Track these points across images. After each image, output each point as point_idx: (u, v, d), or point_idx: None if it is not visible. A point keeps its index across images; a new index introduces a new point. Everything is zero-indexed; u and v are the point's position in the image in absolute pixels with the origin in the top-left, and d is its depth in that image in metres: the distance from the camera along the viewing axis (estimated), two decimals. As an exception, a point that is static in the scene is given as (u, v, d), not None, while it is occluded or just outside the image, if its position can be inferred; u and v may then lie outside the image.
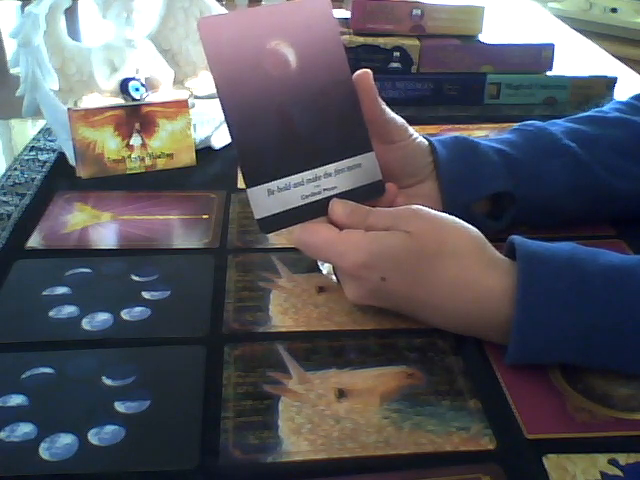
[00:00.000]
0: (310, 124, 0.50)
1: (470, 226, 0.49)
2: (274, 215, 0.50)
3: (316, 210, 0.50)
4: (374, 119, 0.53)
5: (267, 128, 0.50)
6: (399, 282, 0.48)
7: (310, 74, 0.50)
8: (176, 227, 0.66)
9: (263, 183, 0.49)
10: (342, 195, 0.51)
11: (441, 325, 0.50)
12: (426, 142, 0.58)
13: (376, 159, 0.52)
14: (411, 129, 0.56)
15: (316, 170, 0.50)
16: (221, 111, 0.48)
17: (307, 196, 0.50)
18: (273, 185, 0.49)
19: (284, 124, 0.50)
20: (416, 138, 0.57)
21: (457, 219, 0.49)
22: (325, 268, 0.57)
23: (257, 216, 0.50)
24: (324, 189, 0.51)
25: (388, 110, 0.54)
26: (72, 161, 0.74)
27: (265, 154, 0.50)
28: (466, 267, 0.47)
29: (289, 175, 0.50)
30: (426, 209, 0.49)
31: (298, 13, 0.50)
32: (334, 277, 0.55)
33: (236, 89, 0.49)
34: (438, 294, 0.48)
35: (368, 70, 0.52)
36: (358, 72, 0.52)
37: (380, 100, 0.53)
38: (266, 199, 0.49)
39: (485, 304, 0.47)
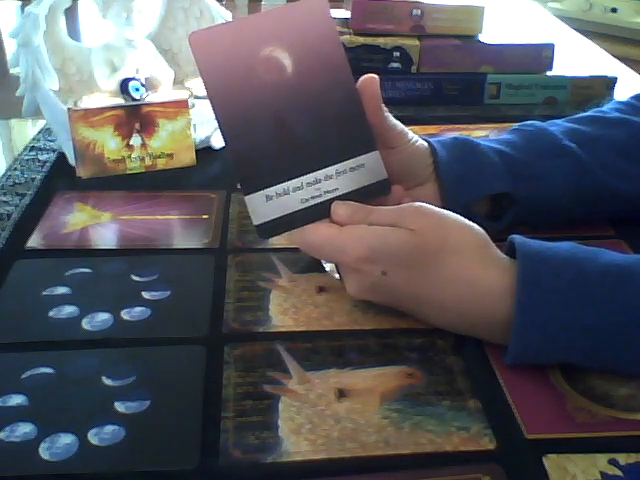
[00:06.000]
0: (309, 127, 0.50)
1: (473, 224, 0.49)
2: (273, 220, 0.50)
3: (317, 213, 0.50)
4: (376, 126, 0.52)
5: (262, 135, 0.49)
6: (400, 277, 0.48)
7: (308, 77, 0.50)
8: (176, 227, 0.66)
9: (260, 190, 0.49)
10: (346, 196, 0.50)
11: (440, 323, 0.50)
12: (426, 144, 0.58)
13: (381, 158, 0.51)
14: (411, 133, 0.56)
15: (316, 173, 0.50)
16: (216, 122, 0.48)
17: (307, 200, 0.50)
18: (271, 191, 0.49)
19: (281, 130, 0.49)
20: (416, 141, 0.57)
21: (460, 217, 0.49)
22: (328, 265, 0.57)
23: (255, 222, 0.50)
24: (325, 192, 0.50)
25: (390, 117, 0.54)
26: (72, 161, 0.74)
27: (261, 161, 0.49)
28: (467, 265, 0.47)
29: (287, 180, 0.49)
30: (429, 206, 0.49)
31: (293, 16, 0.50)
32: (337, 275, 0.55)
33: (229, 101, 0.49)
34: (438, 291, 0.48)
35: (374, 76, 0.51)
36: (364, 77, 0.51)
37: (384, 107, 0.53)
38: (264, 205, 0.49)
39: (485, 302, 0.47)
